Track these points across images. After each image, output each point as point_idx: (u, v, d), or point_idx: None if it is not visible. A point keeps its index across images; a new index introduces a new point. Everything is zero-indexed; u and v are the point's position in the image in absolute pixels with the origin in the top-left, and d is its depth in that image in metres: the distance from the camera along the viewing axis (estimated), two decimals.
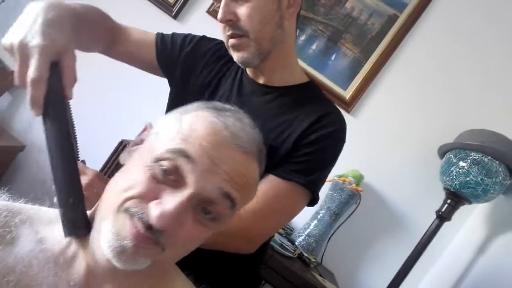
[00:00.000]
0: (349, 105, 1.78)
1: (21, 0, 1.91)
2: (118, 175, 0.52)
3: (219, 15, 0.79)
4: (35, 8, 0.59)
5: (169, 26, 1.86)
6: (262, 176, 0.80)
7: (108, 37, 0.90)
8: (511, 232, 1.41)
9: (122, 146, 1.39)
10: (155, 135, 0.51)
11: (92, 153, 1.71)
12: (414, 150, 1.73)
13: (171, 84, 1.00)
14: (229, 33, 0.81)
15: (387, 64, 1.77)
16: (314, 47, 1.82)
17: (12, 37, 0.55)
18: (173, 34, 1.00)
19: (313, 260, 1.55)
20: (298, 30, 0.92)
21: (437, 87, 1.74)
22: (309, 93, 0.90)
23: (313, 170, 0.81)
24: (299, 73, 0.92)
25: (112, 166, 1.38)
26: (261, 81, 0.89)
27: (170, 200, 0.44)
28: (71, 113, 0.63)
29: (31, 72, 0.52)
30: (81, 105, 1.82)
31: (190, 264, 0.61)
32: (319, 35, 1.82)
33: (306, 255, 1.53)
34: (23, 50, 0.54)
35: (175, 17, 1.87)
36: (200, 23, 1.85)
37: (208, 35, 1.88)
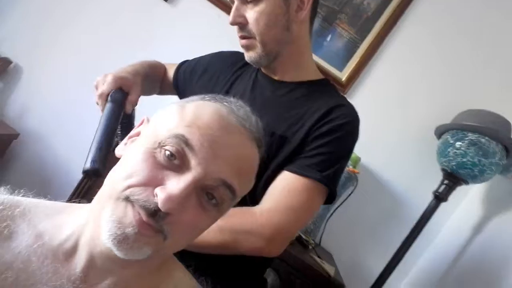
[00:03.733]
0: (345, 86, 1.76)
1: None
2: (116, 167, 0.51)
3: (230, 18, 0.85)
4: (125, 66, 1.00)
5: (160, 9, 1.82)
6: (275, 172, 0.81)
7: (160, 81, 1.16)
8: (506, 212, 1.43)
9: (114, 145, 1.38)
10: (157, 123, 0.51)
11: (85, 152, 1.69)
12: (411, 131, 1.73)
13: None
14: (239, 34, 0.87)
15: (384, 44, 1.74)
16: None
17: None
18: (190, 62, 1.12)
19: (311, 242, 1.56)
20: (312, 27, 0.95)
21: (434, 67, 1.72)
22: (322, 88, 0.91)
23: (328, 164, 0.80)
24: (313, 71, 0.95)
25: None
26: (275, 77, 0.93)
27: (175, 183, 0.44)
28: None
29: (102, 88, 0.89)
30: (75, 104, 1.81)
31: (195, 258, 0.61)
32: None
33: (304, 237, 1.54)
34: (104, 78, 0.91)
35: None
36: (192, 5, 1.80)
37: (200, 18, 1.84)
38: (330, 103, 0.85)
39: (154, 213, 0.43)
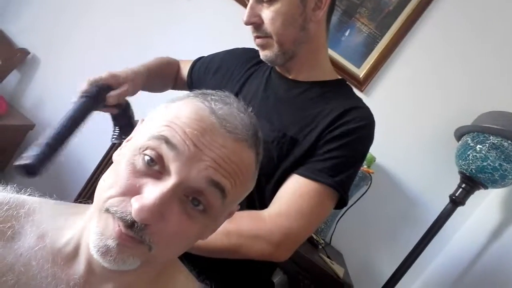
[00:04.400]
0: (362, 83, 1.71)
1: None
2: (105, 173, 0.49)
3: (244, 17, 0.83)
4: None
5: (176, 2, 1.80)
6: (285, 175, 0.80)
7: (173, 78, 1.16)
8: None
9: (115, 147, 1.38)
10: (143, 126, 0.49)
11: (85, 154, 1.72)
12: (429, 132, 1.68)
13: None
14: (254, 34, 0.86)
15: (404, 40, 1.68)
16: None
17: None
18: (205, 59, 1.11)
19: (321, 241, 1.54)
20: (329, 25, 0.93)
21: (456, 66, 1.66)
22: (337, 89, 0.89)
23: (340, 169, 0.78)
24: (329, 71, 0.93)
25: (106, 168, 1.38)
26: (290, 76, 0.91)
27: (152, 192, 0.42)
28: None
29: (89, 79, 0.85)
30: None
31: (199, 261, 0.60)
32: None
33: (314, 237, 1.52)
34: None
35: None
36: (213, 1, 1.78)
37: (216, 12, 1.81)
38: (344, 105, 0.82)
39: (131, 224, 0.42)
